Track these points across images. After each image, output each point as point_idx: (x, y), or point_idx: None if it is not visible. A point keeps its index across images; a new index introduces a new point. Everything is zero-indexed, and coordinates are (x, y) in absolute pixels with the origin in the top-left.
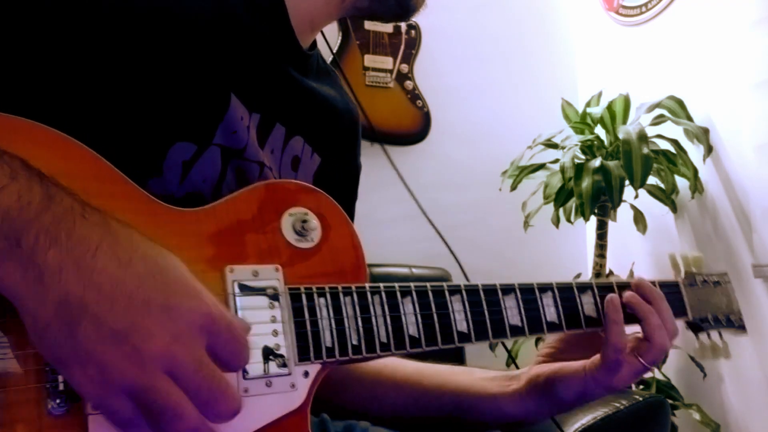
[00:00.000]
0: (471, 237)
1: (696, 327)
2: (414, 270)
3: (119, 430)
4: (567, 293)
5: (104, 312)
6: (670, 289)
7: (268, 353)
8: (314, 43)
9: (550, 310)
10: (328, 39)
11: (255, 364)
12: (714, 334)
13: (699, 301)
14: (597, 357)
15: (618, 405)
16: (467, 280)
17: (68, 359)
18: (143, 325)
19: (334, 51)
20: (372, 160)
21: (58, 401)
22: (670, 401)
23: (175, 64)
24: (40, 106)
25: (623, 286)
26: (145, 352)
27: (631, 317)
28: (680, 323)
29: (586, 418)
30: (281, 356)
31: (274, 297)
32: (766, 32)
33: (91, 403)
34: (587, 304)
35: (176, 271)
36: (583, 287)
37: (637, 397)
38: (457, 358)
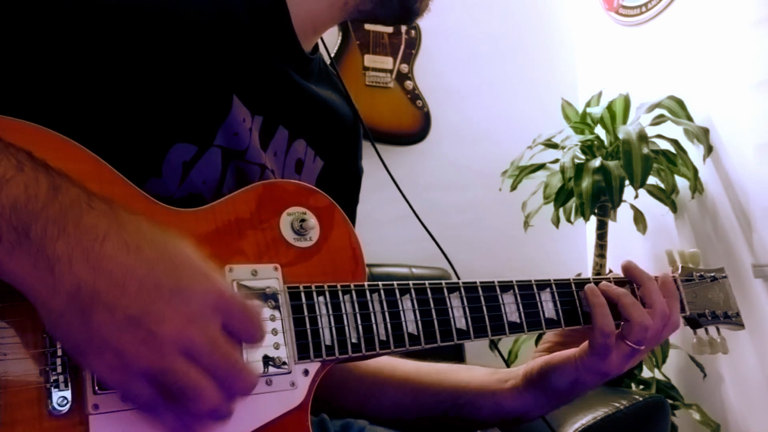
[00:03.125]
0: (471, 237)
1: (694, 322)
2: (414, 270)
3: (143, 411)
4: (565, 289)
5: (116, 299)
6: None
7: (267, 348)
8: (316, 47)
9: (548, 307)
10: (329, 39)
11: (255, 363)
12: (712, 329)
13: (696, 297)
14: (586, 343)
15: (618, 405)
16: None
17: (85, 347)
18: (156, 308)
19: (335, 50)
20: (373, 159)
21: (59, 399)
22: (670, 401)
23: (177, 65)
24: (41, 106)
25: (621, 283)
26: (159, 335)
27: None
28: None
29: (586, 418)
30: (281, 354)
31: (273, 296)
32: (766, 32)
33: (111, 388)
34: (585, 300)
35: (185, 254)
36: (581, 284)
37: (637, 397)
38: (457, 357)
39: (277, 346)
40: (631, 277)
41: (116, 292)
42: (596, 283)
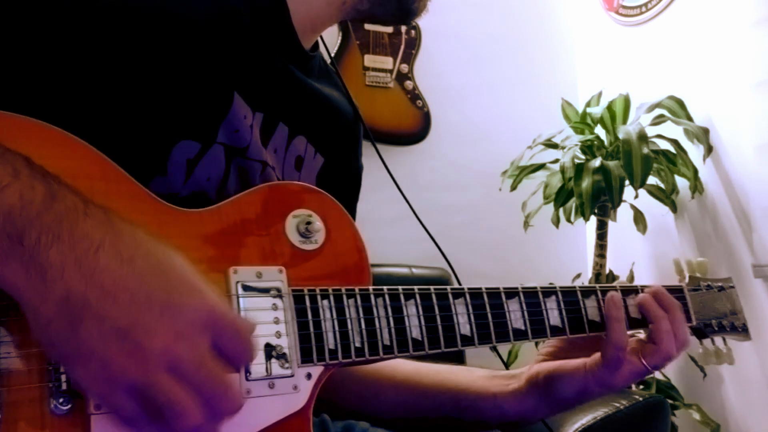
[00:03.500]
0: (471, 237)
1: (700, 333)
2: (414, 270)
3: (124, 426)
4: (571, 298)
5: (106, 309)
6: (674, 294)
7: (270, 350)
8: (316, 44)
9: (553, 314)
10: (329, 39)
11: (258, 365)
12: (718, 339)
13: (703, 307)
14: (598, 355)
15: (618, 405)
16: (458, 280)
17: (71, 356)
18: (145, 321)
19: (335, 50)
20: (373, 159)
21: (61, 400)
22: (670, 401)
23: (178, 63)
24: (45, 105)
25: (627, 291)
26: (146, 348)
27: (635, 322)
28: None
29: (586, 418)
30: (284, 357)
31: (278, 298)
32: (766, 32)
33: (94, 399)
34: (591, 308)
35: (180, 269)
36: (587, 291)
37: (637, 397)
38: (457, 358)
39: (280, 350)
40: (659, 302)
41: (106, 303)
42: (605, 292)
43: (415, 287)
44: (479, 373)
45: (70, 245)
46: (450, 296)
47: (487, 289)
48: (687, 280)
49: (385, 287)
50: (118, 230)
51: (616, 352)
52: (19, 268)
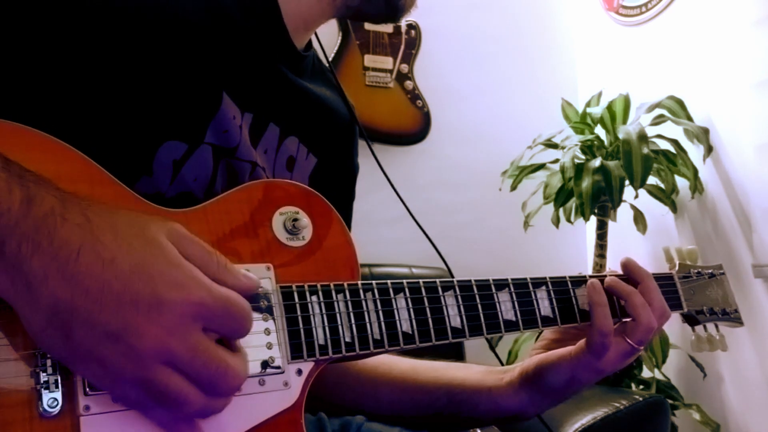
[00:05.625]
0: (471, 237)
1: (692, 319)
2: (414, 270)
3: (135, 410)
4: (561, 287)
5: (94, 315)
6: (664, 281)
7: (265, 364)
8: (309, 44)
9: (544, 305)
10: (329, 39)
11: (251, 363)
12: (710, 326)
13: (694, 294)
14: (583, 341)
15: (618, 405)
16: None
17: (70, 358)
18: (134, 323)
19: (335, 50)
20: (372, 160)
21: (50, 402)
22: (670, 401)
23: (166, 62)
24: (30, 106)
25: (618, 278)
26: (139, 349)
27: (623, 311)
28: (676, 316)
29: (586, 418)
30: (273, 355)
31: (266, 296)
32: (766, 32)
33: (103, 390)
34: (581, 297)
35: (163, 259)
36: (578, 281)
37: (637, 397)
38: (457, 358)
39: (269, 346)
40: (630, 274)
41: (94, 309)
42: (600, 281)
43: (404, 281)
44: (475, 368)
45: (50, 253)
46: (439, 289)
47: (476, 281)
48: (677, 267)
49: (373, 281)
50: (97, 230)
51: (601, 338)
52: (5, 278)
